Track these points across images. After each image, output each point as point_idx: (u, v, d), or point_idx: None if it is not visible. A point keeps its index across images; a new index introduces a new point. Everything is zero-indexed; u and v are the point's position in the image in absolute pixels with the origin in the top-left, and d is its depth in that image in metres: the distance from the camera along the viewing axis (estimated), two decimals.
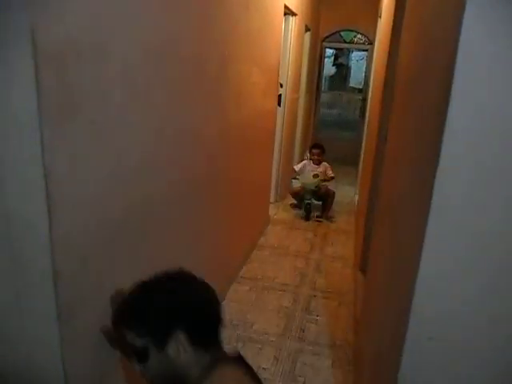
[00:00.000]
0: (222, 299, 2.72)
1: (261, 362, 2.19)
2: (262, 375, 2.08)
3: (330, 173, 4.52)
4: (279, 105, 4.17)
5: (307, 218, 4.35)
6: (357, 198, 4.75)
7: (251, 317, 2.58)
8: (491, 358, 0.91)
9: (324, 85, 7.81)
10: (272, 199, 4.44)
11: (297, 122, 5.47)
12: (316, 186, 4.38)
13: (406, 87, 1.50)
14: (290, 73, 4.38)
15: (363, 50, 7.34)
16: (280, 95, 4.18)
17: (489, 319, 0.88)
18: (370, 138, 3.55)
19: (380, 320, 1.45)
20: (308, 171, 4.51)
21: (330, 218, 4.44)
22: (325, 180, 4.45)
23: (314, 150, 4.58)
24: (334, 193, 4.49)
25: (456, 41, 0.76)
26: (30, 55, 0.92)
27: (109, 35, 1.20)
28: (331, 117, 8.28)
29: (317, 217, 4.41)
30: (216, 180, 2.34)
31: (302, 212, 4.47)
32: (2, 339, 1.16)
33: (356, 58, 8.16)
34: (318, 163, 4.52)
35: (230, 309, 2.64)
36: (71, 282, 1.14)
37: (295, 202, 4.66)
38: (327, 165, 4.56)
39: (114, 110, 1.26)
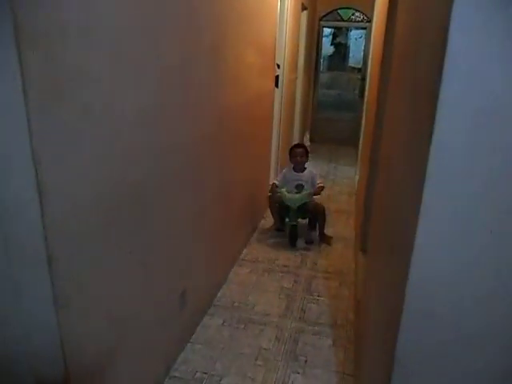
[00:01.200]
0: (224, 281, 2.73)
1: (262, 342, 2.20)
2: (264, 356, 2.10)
3: (319, 182, 3.45)
4: (277, 86, 4.12)
5: (293, 243, 3.33)
6: (357, 178, 4.73)
7: (252, 298, 2.59)
8: (488, 333, 0.91)
9: (322, 65, 7.69)
10: (271, 181, 4.42)
11: (295, 103, 5.42)
12: (304, 202, 3.28)
13: (402, 61, 1.47)
14: (287, 53, 4.32)
15: (362, 28, 7.21)
16: (277, 76, 4.12)
17: (487, 296, 0.88)
18: (368, 117, 3.51)
19: (379, 299, 1.46)
20: (290, 182, 3.42)
21: (328, 240, 3.42)
22: (315, 193, 3.36)
23: (297, 150, 3.45)
24: (324, 208, 3.41)
25: (449, 11, 0.74)
26: (14, 40, 0.90)
27: (96, 18, 1.17)
28: (330, 97, 8.20)
29: (306, 242, 3.37)
30: (215, 162, 2.33)
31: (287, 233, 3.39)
32: (1, 323, 1.17)
33: (355, 37, 8.03)
34: (302, 169, 3.46)
35: (231, 291, 2.66)
36: (67, 267, 1.14)
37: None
38: (313, 171, 3.53)
39: (103, 94, 1.23)
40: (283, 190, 3.30)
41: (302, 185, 3.38)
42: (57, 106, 1.05)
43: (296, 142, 4.21)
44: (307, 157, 3.49)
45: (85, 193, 1.19)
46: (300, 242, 3.36)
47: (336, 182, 5.11)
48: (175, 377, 1.95)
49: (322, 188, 3.44)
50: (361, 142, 4.77)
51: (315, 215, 3.38)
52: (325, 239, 3.42)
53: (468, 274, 0.88)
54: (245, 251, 3.17)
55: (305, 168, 3.47)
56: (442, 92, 0.77)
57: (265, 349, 2.16)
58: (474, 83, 0.76)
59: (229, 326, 2.33)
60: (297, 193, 3.34)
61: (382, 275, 1.47)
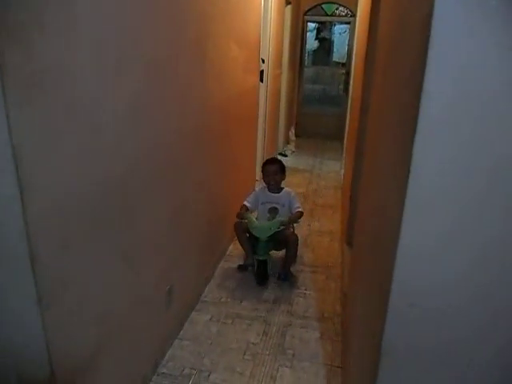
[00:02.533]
0: (210, 277, 2.73)
1: (250, 337, 2.21)
2: (252, 350, 2.11)
3: (297, 205, 2.77)
4: (261, 81, 4.11)
5: (262, 281, 2.68)
6: (343, 172, 4.76)
7: (239, 294, 2.59)
8: (475, 325, 0.92)
9: (307, 60, 7.69)
10: (258, 176, 4.42)
11: (280, 98, 5.42)
12: (276, 231, 2.61)
13: (386, 54, 1.48)
14: (271, 48, 4.31)
15: (346, 23, 7.23)
16: (262, 71, 4.11)
17: (471, 285, 0.89)
18: (353, 111, 3.53)
19: (365, 290, 1.47)
20: (264, 204, 2.83)
21: (291, 278, 2.76)
22: (290, 221, 2.70)
23: (269, 168, 2.82)
24: (296, 238, 2.77)
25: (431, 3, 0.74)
26: None
27: (77, 13, 1.15)
28: (315, 92, 8.22)
29: (279, 277, 2.74)
30: (199, 157, 2.31)
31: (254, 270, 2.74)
32: None
33: (339, 32, 8.05)
34: (278, 189, 2.85)
35: (218, 287, 2.66)
36: (51, 266, 1.12)
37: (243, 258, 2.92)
38: (292, 192, 2.87)
39: (85, 85, 1.21)
40: (250, 215, 2.70)
41: (276, 208, 2.79)
42: (37, 102, 1.03)
43: (269, 157, 3.37)
44: (283, 174, 2.86)
45: (68, 190, 1.17)
46: (272, 280, 2.74)
47: (322, 176, 5.14)
48: (163, 373, 1.94)
49: (301, 215, 2.73)
50: (346, 136, 4.79)
51: (285, 243, 2.74)
52: (287, 276, 2.73)
53: (454, 266, 0.89)
54: (231, 247, 3.16)
55: (281, 188, 2.87)
56: (425, 81, 0.77)
57: (253, 343, 2.17)
58: (459, 72, 0.77)
59: (216, 321, 2.33)
60: (270, 220, 2.71)
61: (367, 267, 1.48)
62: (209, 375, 1.94)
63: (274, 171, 2.80)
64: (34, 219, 1.03)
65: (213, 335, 2.21)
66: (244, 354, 2.08)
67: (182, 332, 2.22)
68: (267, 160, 3.03)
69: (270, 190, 2.84)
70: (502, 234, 0.84)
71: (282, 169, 2.85)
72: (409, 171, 0.84)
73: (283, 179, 2.89)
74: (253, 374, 1.96)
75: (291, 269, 2.82)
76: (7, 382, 1.18)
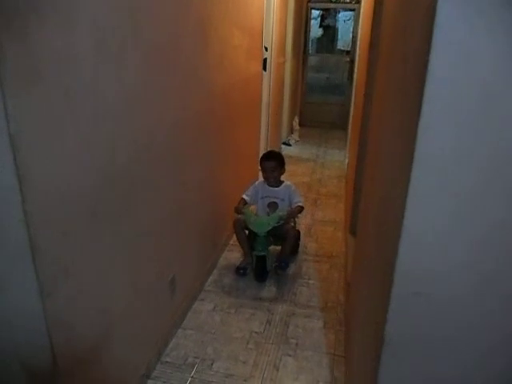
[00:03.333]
0: (214, 267, 2.73)
1: (253, 326, 2.21)
2: (255, 339, 2.11)
3: (298, 200, 2.71)
4: (265, 69, 4.06)
5: (261, 278, 2.61)
6: (347, 161, 4.73)
7: (242, 284, 2.59)
8: (477, 310, 0.91)
9: (311, 48, 7.60)
10: None
11: (284, 87, 5.37)
12: (275, 226, 2.54)
13: (390, 42, 1.45)
14: (274, 36, 4.26)
15: (350, 10, 7.13)
16: (265, 59, 4.07)
17: (475, 273, 0.88)
18: (357, 100, 3.49)
19: (369, 279, 1.46)
20: (263, 199, 2.77)
21: (282, 266, 2.67)
22: (289, 215, 2.63)
23: (267, 163, 2.72)
24: (296, 233, 2.78)
25: None
26: None
27: None
28: (319, 80, 8.13)
29: (277, 266, 2.68)
30: (202, 146, 2.30)
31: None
32: None
33: (343, 19, 7.94)
34: (277, 183, 2.76)
35: (221, 276, 2.66)
36: (52, 255, 1.12)
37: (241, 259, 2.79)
38: (292, 186, 2.79)
39: (85, 74, 1.20)
40: (248, 210, 2.63)
41: (275, 203, 2.73)
42: (36, 91, 1.01)
43: (267, 150, 3.19)
44: (282, 168, 2.76)
45: (68, 178, 1.16)
46: (271, 275, 2.66)
47: (326, 165, 5.11)
48: (167, 362, 1.95)
49: (301, 209, 2.67)
50: (350, 125, 4.75)
51: (285, 237, 2.67)
52: (282, 266, 2.66)
53: (457, 253, 0.87)
54: (234, 236, 3.15)
55: (281, 182, 2.79)
56: (430, 66, 0.75)
57: (256, 332, 2.17)
58: (464, 57, 0.74)
59: (220, 310, 2.34)
60: (269, 215, 2.66)
61: (371, 257, 1.47)
62: (212, 364, 1.95)
63: (271, 168, 2.70)
64: (34, 208, 1.02)
65: (216, 324, 2.22)
66: (247, 343, 2.09)
67: (185, 321, 2.22)
68: (264, 155, 2.87)
69: (269, 185, 2.76)
70: (505, 221, 0.82)
71: (280, 163, 2.74)
72: (412, 158, 0.82)
73: (282, 173, 2.79)
74: (256, 363, 1.97)
75: (289, 259, 2.75)
76: (10, 372, 1.19)
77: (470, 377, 0.96)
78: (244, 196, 2.73)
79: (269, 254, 2.61)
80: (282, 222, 2.57)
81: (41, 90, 1.03)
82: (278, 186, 2.76)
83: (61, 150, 1.12)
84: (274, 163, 2.71)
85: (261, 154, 4.31)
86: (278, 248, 2.76)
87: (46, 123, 1.06)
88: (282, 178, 2.83)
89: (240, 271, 2.67)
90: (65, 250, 1.18)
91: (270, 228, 2.53)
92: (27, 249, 1.03)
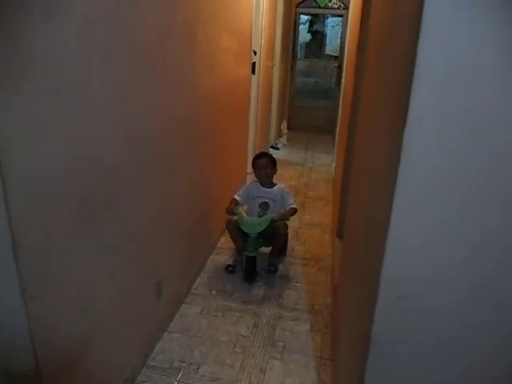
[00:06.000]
0: (201, 270, 2.71)
1: (240, 330, 2.20)
2: (242, 343, 2.10)
3: (291, 202, 2.72)
4: (253, 73, 4.08)
5: (250, 279, 2.61)
6: (334, 165, 4.75)
7: (229, 287, 2.58)
8: (460, 314, 0.92)
9: (299, 52, 7.65)
10: (249, 170, 4.40)
11: (272, 91, 5.39)
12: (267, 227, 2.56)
13: (377, 48, 1.46)
14: (263, 40, 4.28)
15: (338, 16, 7.19)
16: (254, 63, 4.08)
17: (459, 277, 0.89)
18: (345, 104, 3.52)
19: (356, 282, 1.47)
20: (254, 199, 2.77)
21: (271, 270, 2.70)
22: (281, 217, 2.63)
23: (259, 161, 2.76)
24: (285, 226, 2.75)
25: None
26: None
27: None
28: (308, 85, 8.19)
29: (267, 270, 2.69)
30: (189, 148, 2.29)
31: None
32: None
33: (331, 24, 8.01)
34: (270, 184, 2.78)
35: (208, 279, 2.65)
36: (35, 255, 1.10)
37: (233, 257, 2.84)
38: (285, 188, 2.81)
39: (71, 74, 1.18)
40: (240, 211, 2.65)
41: (267, 203, 2.73)
42: (19, 89, 1.00)
43: (259, 152, 3.27)
44: (274, 167, 2.80)
45: (54, 178, 1.15)
46: (259, 278, 2.65)
47: (313, 169, 5.13)
48: (153, 366, 1.93)
49: (294, 211, 2.68)
50: (338, 129, 4.79)
51: (273, 236, 2.68)
52: (274, 268, 2.71)
53: (442, 258, 0.88)
54: (222, 240, 3.15)
55: (274, 184, 2.80)
56: (416, 70, 0.76)
57: (243, 336, 2.16)
58: (450, 61, 0.76)
59: (207, 314, 2.32)
60: (260, 215, 2.69)
61: (358, 260, 1.48)
62: (198, 368, 1.93)
63: (264, 164, 2.75)
64: (17, 208, 1.01)
65: (203, 328, 2.20)
66: (234, 347, 2.08)
67: (171, 324, 2.20)
68: (256, 155, 2.97)
69: (262, 185, 2.77)
70: (489, 225, 0.84)
71: (272, 162, 2.80)
72: (398, 162, 0.83)
73: (275, 173, 2.83)
74: (243, 367, 1.96)
75: (278, 261, 2.79)
76: None
77: (456, 377, 0.97)
78: (236, 196, 2.75)
79: (259, 256, 2.63)
80: (274, 222, 2.60)
81: (25, 88, 1.02)
82: (271, 187, 2.78)
83: (46, 150, 1.11)
84: (265, 160, 2.77)
85: (249, 157, 4.34)
86: (268, 249, 2.78)
87: (31, 122, 1.05)
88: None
89: (229, 268, 2.70)
90: (48, 250, 1.16)
91: (262, 229, 2.55)
92: (9, 248, 1.01)
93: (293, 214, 2.71)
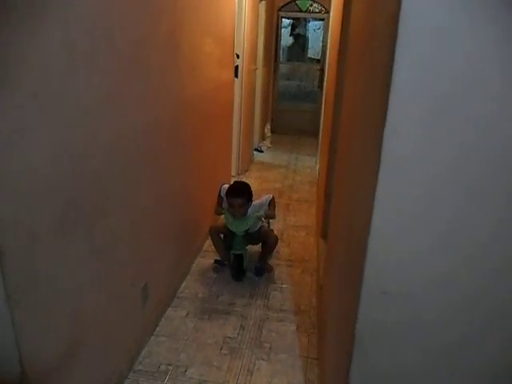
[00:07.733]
0: (187, 273, 2.71)
1: (227, 332, 2.21)
2: (229, 344, 2.11)
3: (265, 198, 2.76)
4: (236, 76, 4.10)
5: (237, 277, 2.69)
6: (318, 167, 4.80)
7: (215, 289, 2.59)
8: (444, 309, 0.95)
9: (282, 56, 7.71)
10: (233, 172, 4.42)
11: (255, 94, 5.41)
12: (252, 232, 2.70)
13: (357, 51, 1.50)
14: (246, 43, 4.30)
15: (320, 20, 7.28)
16: (237, 66, 4.10)
17: (441, 272, 0.92)
18: (328, 107, 3.56)
19: (340, 281, 1.49)
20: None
21: (269, 270, 2.80)
22: (267, 216, 2.72)
23: (234, 200, 2.58)
24: (277, 239, 2.80)
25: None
26: None
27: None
28: (290, 88, 8.24)
29: (256, 271, 2.74)
30: (174, 153, 2.29)
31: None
32: None
33: (313, 28, 8.09)
34: (243, 214, 2.62)
35: (194, 282, 2.65)
36: (19, 261, 1.09)
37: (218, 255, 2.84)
38: (256, 204, 2.71)
39: (57, 80, 1.18)
40: (226, 211, 2.67)
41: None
42: (4, 94, 1.00)
43: (234, 182, 2.97)
44: (250, 202, 2.66)
45: (38, 182, 1.14)
46: (248, 275, 2.72)
47: (297, 171, 5.17)
48: (139, 370, 1.92)
49: (274, 202, 2.78)
50: (321, 132, 4.84)
51: (265, 239, 2.76)
52: (263, 271, 2.75)
53: (422, 255, 0.91)
54: (207, 243, 3.15)
55: (246, 213, 2.64)
56: (394, 75, 0.79)
57: (230, 337, 2.17)
58: (426, 63, 0.79)
59: (193, 317, 2.32)
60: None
61: (341, 259, 1.51)
62: (185, 371, 1.94)
63: (238, 205, 2.58)
64: (2, 211, 1.00)
65: (189, 331, 2.20)
66: (221, 349, 2.09)
67: (158, 328, 2.20)
68: (232, 189, 2.66)
69: (235, 217, 2.63)
70: (466, 220, 0.87)
71: (248, 198, 2.63)
72: (379, 162, 0.86)
73: (248, 207, 2.65)
74: (230, 368, 1.97)
75: (268, 262, 2.87)
76: None
77: (441, 374, 1.00)
78: (222, 194, 2.75)
79: (246, 253, 2.69)
80: (260, 221, 2.74)
81: (11, 96, 1.01)
82: (245, 215, 2.64)
83: (30, 154, 1.10)
84: (241, 200, 2.58)
85: (233, 160, 4.34)
86: (254, 247, 2.87)
87: (18, 129, 1.04)
88: None
89: (217, 263, 2.80)
90: (33, 256, 1.15)
91: (248, 227, 2.63)
92: None
93: (274, 208, 2.79)
